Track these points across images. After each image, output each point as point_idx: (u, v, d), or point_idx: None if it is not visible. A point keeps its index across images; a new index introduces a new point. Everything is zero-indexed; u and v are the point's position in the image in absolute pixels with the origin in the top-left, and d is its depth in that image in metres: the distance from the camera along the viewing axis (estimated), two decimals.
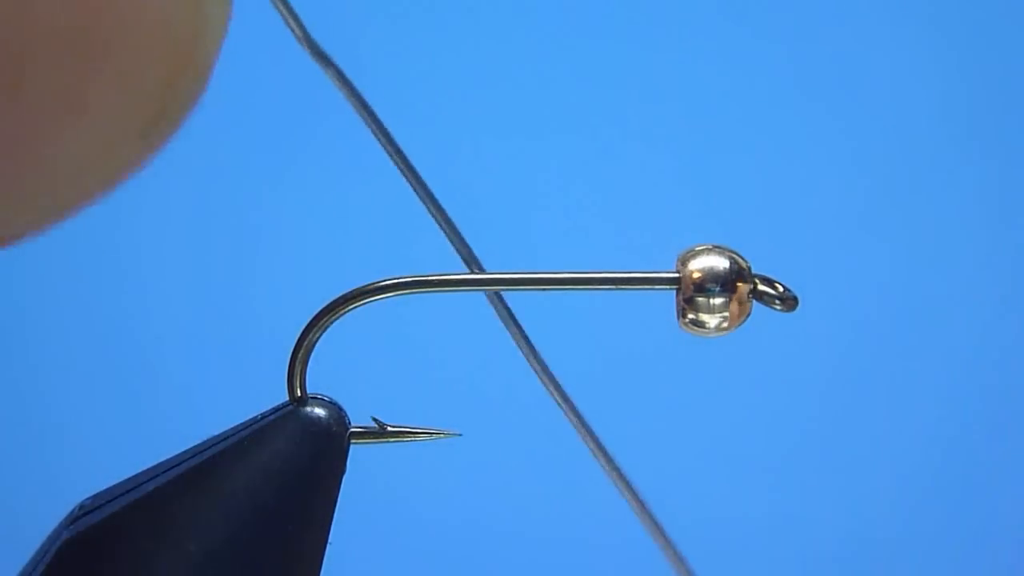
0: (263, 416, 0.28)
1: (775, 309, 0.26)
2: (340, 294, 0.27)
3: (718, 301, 0.25)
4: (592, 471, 0.78)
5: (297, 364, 0.28)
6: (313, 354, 0.28)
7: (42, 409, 0.75)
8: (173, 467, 0.26)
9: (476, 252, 0.27)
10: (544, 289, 0.26)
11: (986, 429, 0.77)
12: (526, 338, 0.22)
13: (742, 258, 0.25)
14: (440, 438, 0.31)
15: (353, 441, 0.29)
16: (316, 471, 0.27)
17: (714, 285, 0.25)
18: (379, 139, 0.23)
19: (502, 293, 0.26)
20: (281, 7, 0.21)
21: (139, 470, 0.27)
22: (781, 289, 0.26)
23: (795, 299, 0.26)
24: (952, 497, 0.76)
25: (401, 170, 0.23)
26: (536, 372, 0.20)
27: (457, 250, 0.25)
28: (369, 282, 0.27)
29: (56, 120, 0.15)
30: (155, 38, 0.16)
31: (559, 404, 0.22)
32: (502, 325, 0.25)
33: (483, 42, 0.79)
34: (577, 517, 0.74)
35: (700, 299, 0.25)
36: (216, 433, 0.27)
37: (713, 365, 0.74)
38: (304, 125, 0.75)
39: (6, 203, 0.16)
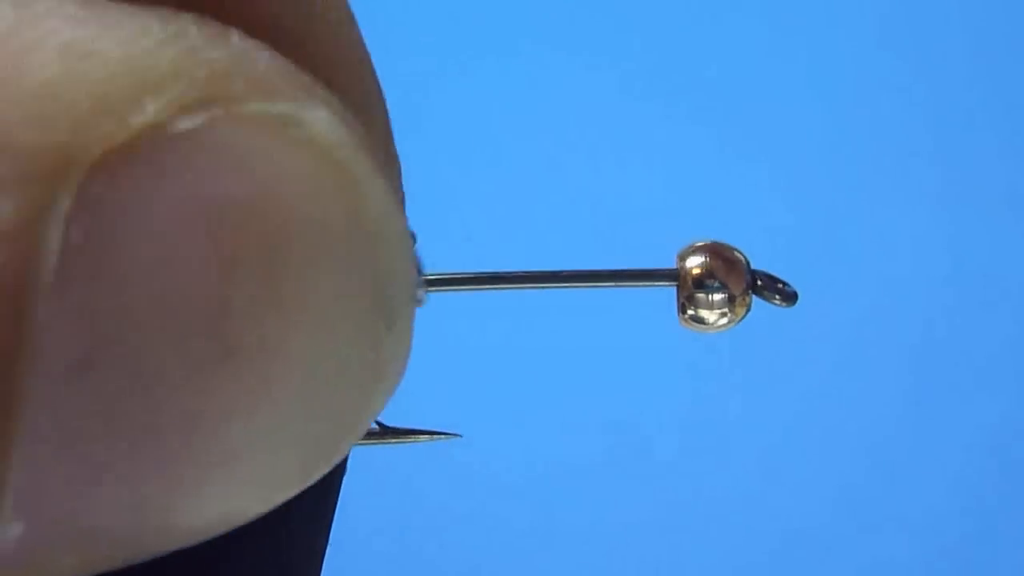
0: None
1: (775, 305, 0.26)
2: None
3: (718, 297, 0.25)
4: (593, 475, 0.78)
5: None
6: None
7: None
8: None
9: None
10: (543, 286, 0.26)
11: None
12: None
13: (742, 254, 0.25)
14: (441, 439, 0.31)
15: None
16: None
17: (713, 281, 0.25)
18: None
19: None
20: None
21: None
22: (781, 285, 0.26)
23: (795, 294, 0.26)
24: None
25: None
26: None
27: None
28: None
29: (206, 476, 0.15)
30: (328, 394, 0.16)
31: None
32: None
33: (484, 39, 0.79)
34: (577, 519, 0.74)
35: (700, 295, 0.25)
36: None
37: (713, 360, 0.74)
38: None
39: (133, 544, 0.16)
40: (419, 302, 0.23)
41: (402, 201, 0.22)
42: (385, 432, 0.30)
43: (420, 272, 0.23)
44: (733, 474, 0.75)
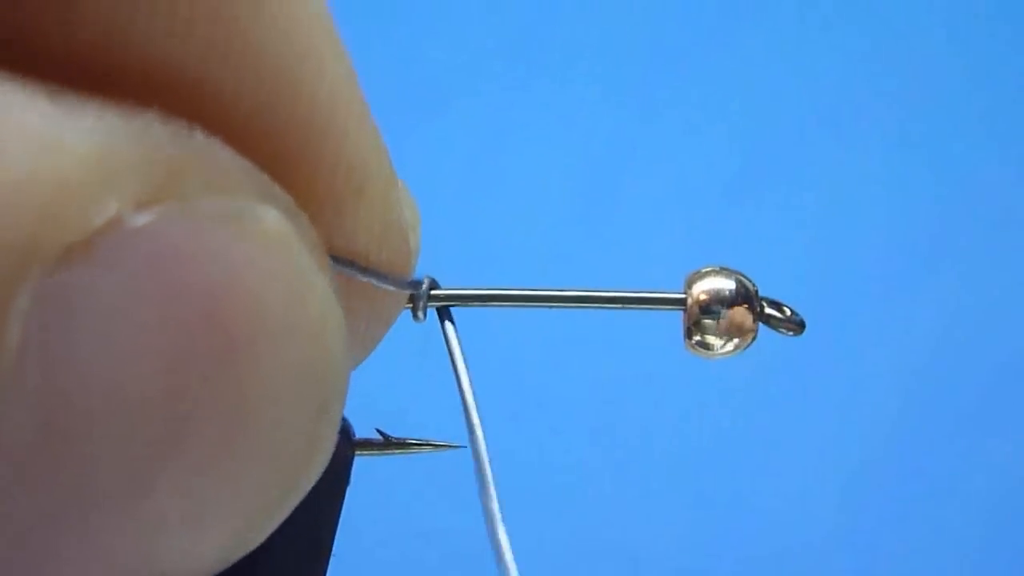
0: None
1: (782, 333, 0.26)
2: None
3: (724, 324, 0.25)
4: (595, 480, 0.77)
5: None
6: None
7: None
8: None
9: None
10: (552, 306, 0.26)
11: None
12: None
13: (749, 281, 0.25)
14: (443, 450, 0.31)
15: (357, 452, 0.29)
16: (319, 483, 0.27)
17: (720, 307, 0.25)
18: None
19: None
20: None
21: None
22: (788, 313, 0.26)
23: (802, 323, 0.25)
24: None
25: None
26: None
27: None
28: None
29: (171, 535, 0.16)
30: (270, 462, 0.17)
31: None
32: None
33: (499, 57, 0.79)
34: (578, 526, 0.74)
35: (706, 321, 0.25)
36: None
37: (718, 385, 0.74)
38: None
39: None
40: (419, 319, 0.24)
41: (414, 249, 0.23)
42: (388, 443, 0.30)
43: (428, 290, 0.24)
44: (736, 491, 0.75)
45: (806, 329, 0.25)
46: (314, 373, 0.17)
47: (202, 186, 0.15)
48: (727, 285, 0.25)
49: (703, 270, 0.25)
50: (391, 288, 0.23)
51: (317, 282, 0.17)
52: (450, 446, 0.31)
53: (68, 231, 0.14)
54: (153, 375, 0.15)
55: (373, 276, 0.22)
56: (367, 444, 0.30)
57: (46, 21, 0.15)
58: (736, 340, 0.25)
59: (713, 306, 0.25)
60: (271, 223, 0.16)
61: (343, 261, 0.21)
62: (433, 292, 0.25)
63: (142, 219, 0.15)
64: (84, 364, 0.15)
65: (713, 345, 0.25)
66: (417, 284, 0.24)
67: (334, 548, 0.27)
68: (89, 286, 0.14)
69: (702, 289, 0.25)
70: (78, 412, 0.15)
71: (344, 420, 0.28)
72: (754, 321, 0.25)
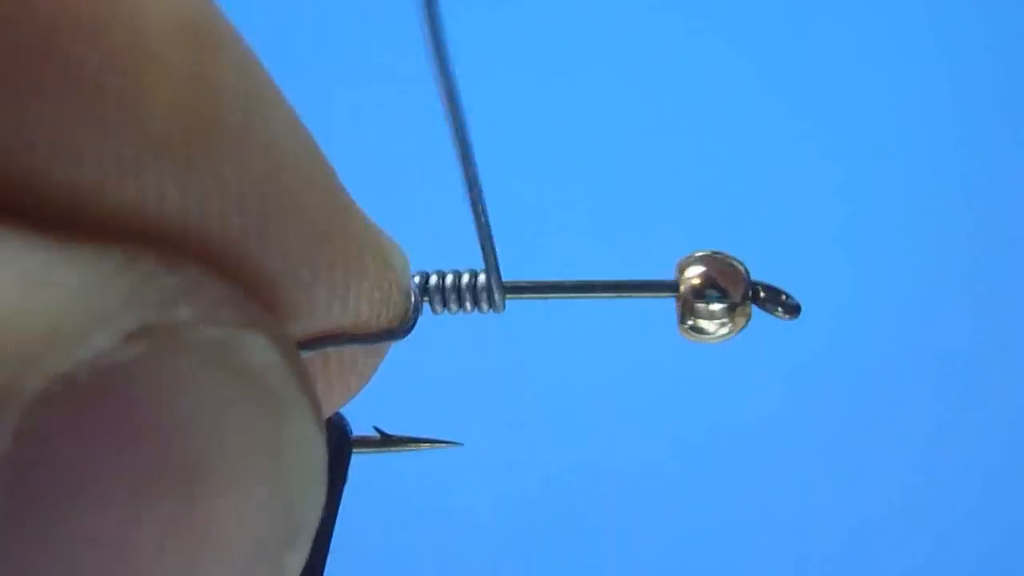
0: None
1: (777, 316, 0.25)
2: None
3: (717, 307, 0.25)
4: (593, 482, 0.77)
5: None
6: None
7: None
8: None
9: (477, 260, 0.27)
10: (546, 296, 0.26)
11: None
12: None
13: (741, 264, 0.25)
14: (441, 448, 0.31)
15: (355, 450, 0.28)
16: None
17: (713, 292, 0.25)
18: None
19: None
20: None
21: None
22: (783, 296, 0.25)
23: (797, 306, 0.25)
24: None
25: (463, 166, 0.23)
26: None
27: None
28: None
29: None
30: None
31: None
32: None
33: (484, 48, 0.79)
34: (578, 525, 0.74)
35: (699, 305, 0.25)
36: None
37: (713, 369, 0.74)
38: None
39: None
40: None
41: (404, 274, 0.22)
42: (386, 441, 0.30)
43: (438, 285, 0.24)
44: (730, 475, 0.75)
45: (801, 312, 0.25)
46: (285, 509, 0.17)
47: (192, 316, 0.15)
48: (720, 269, 0.25)
49: (695, 254, 0.25)
50: (397, 340, 0.23)
51: (299, 413, 0.17)
52: (448, 444, 0.31)
53: (50, 371, 0.14)
54: (123, 515, 0.15)
55: (378, 339, 0.22)
56: (365, 442, 0.29)
57: (37, 170, 0.15)
58: (729, 324, 0.25)
59: (706, 291, 0.25)
60: (257, 352, 0.16)
61: (350, 339, 0.21)
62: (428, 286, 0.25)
63: (129, 352, 0.15)
64: (55, 500, 0.14)
65: (706, 329, 0.25)
66: (412, 324, 0.24)
67: (332, 547, 0.27)
68: (67, 423, 0.14)
69: (694, 274, 0.25)
70: (47, 548, 0.15)
71: (342, 417, 0.28)
72: (748, 304, 0.25)
